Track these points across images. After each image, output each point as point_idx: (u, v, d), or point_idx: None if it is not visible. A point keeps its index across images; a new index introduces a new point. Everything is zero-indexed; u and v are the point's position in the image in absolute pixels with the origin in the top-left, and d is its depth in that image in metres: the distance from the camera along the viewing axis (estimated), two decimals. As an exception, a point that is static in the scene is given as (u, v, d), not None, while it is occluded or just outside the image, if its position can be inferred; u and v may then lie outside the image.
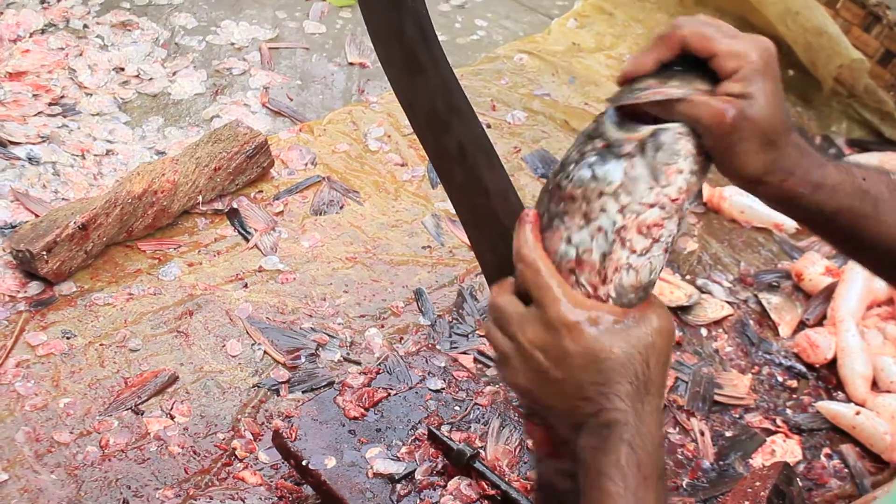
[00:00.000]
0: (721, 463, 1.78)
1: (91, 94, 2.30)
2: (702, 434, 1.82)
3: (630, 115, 1.03)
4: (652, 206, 1.00)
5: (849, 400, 1.91)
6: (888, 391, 1.90)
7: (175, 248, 1.98)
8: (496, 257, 1.15)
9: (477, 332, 1.91)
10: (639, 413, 1.00)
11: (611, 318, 1.01)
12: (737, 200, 2.30)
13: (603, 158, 1.01)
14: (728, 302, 2.08)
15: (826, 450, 1.84)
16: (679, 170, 1.00)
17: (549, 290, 1.02)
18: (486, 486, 1.57)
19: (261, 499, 1.59)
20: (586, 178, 1.02)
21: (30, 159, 2.08)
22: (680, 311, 2.03)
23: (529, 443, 1.15)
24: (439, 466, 1.61)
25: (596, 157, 1.02)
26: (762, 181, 1.05)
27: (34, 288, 1.84)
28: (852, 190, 1.10)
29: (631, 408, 1.00)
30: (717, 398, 1.89)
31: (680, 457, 1.78)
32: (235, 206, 2.08)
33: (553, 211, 1.05)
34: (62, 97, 2.28)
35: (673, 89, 1.01)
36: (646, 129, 1.00)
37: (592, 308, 1.01)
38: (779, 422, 1.87)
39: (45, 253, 1.80)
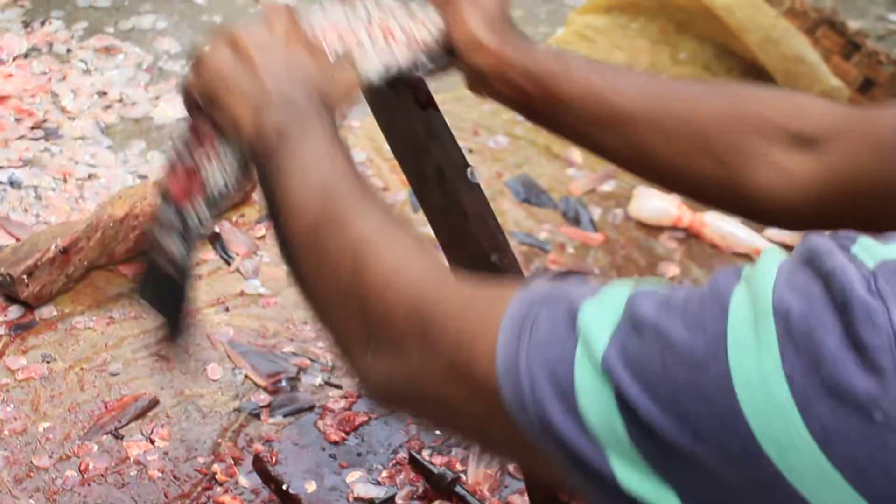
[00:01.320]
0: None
1: (74, 119, 2.31)
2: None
3: None
4: None
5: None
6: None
7: (156, 272, 1.97)
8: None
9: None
10: (315, 121, 1.00)
11: (324, 60, 1.06)
12: (717, 226, 2.31)
13: None
14: (709, 327, 2.09)
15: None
16: None
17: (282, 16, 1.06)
18: (466, 511, 1.58)
19: (241, 523, 1.59)
20: None
21: (11, 183, 2.08)
22: (661, 336, 2.04)
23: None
24: (420, 491, 1.61)
25: None
26: (482, 46, 1.11)
27: (14, 312, 1.84)
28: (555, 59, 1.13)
29: (318, 112, 1.00)
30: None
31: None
32: (217, 230, 2.08)
33: None
34: (45, 121, 2.28)
35: None
36: None
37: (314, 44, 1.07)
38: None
39: (25, 277, 1.80)
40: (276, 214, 1.02)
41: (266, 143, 0.99)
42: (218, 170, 1.12)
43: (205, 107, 1.06)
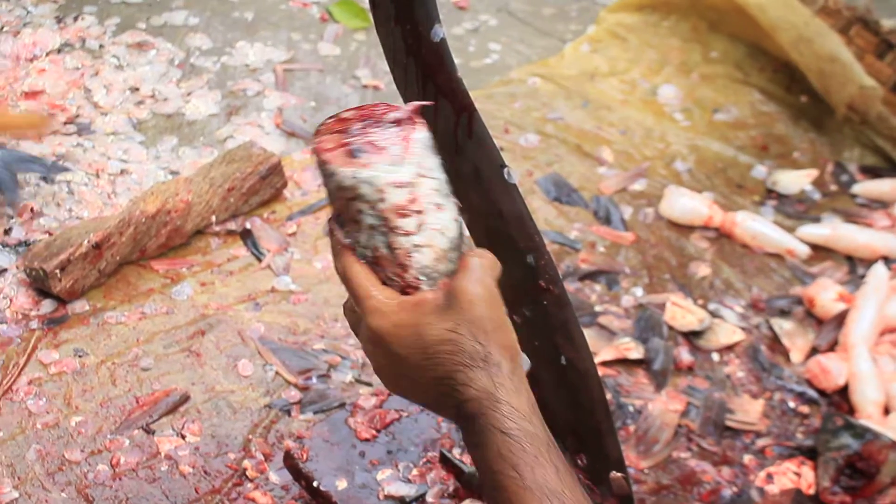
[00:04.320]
0: (734, 489, 1.77)
1: (106, 114, 2.32)
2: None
3: None
4: (394, 187, 1.01)
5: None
6: (901, 418, 1.90)
7: (188, 268, 1.98)
8: (511, 280, 1.16)
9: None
10: (492, 392, 0.98)
11: (431, 306, 1.01)
12: (749, 226, 2.30)
13: (330, 171, 1.04)
14: (740, 327, 2.08)
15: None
16: None
17: (361, 301, 1.04)
18: (496, 510, 1.57)
19: (271, 520, 1.59)
20: (333, 188, 1.04)
21: (44, 178, 2.09)
22: (692, 336, 2.03)
23: None
24: (451, 489, 1.61)
25: (330, 170, 1.03)
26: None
27: (47, 306, 1.85)
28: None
29: (483, 391, 0.97)
30: (728, 423, 1.88)
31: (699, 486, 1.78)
32: (248, 226, 2.08)
33: (339, 220, 1.08)
34: (77, 116, 2.29)
35: None
36: None
37: (401, 307, 1.02)
38: (793, 447, 1.86)
39: (58, 271, 1.81)
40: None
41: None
42: None
43: None
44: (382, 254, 1.04)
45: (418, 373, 1.01)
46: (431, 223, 1.03)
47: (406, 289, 1.04)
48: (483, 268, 1.04)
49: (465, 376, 0.98)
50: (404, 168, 1.01)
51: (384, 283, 1.05)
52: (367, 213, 1.02)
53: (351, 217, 1.04)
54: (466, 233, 1.10)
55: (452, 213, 1.05)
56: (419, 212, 1.02)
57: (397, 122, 1.03)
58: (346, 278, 1.06)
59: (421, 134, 1.03)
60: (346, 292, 1.08)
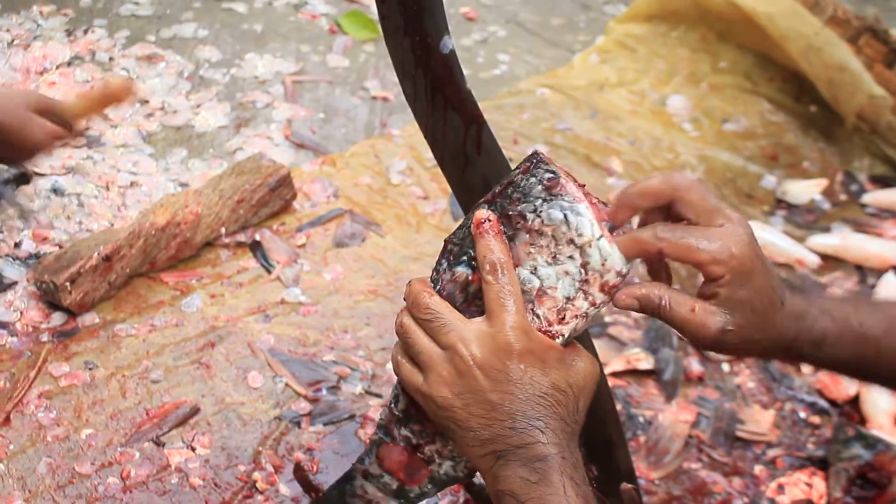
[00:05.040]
0: (745, 500, 1.77)
1: (116, 127, 2.32)
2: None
3: None
4: (614, 270, 1.03)
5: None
6: (912, 428, 1.89)
7: (198, 280, 1.98)
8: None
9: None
10: (570, 449, 1.01)
11: (558, 356, 1.03)
12: (759, 236, 2.28)
13: (574, 208, 1.02)
14: (750, 337, 2.07)
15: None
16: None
17: (511, 313, 1.01)
18: (507, 521, 1.57)
19: (281, 532, 1.59)
20: (558, 219, 1.02)
21: (55, 190, 2.10)
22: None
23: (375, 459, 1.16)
24: (461, 501, 1.61)
25: (569, 203, 1.02)
26: (763, 355, 1.11)
27: (57, 319, 1.85)
28: (853, 339, 1.11)
29: (564, 443, 1.00)
30: (739, 434, 1.88)
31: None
32: (258, 238, 2.08)
33: (510, 234, 1.05)
34: (87, 129, 2.29)
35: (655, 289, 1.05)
36: None
37: (544, 342, 1.02)
38: (804, 458, 1.86)
39: (68, 284, 1.81)
40: None
41: (505, 486, 1.01)
42: (449, 463, 1.15)
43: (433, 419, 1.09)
44: (553, 295, 1.04)
45: (511, 400, 1.01)
46: (601, 309, 1.05)
47: (541, 332, 1.05)
48: (593, 358, 1.07)
49: (557, 425, 1.00)
50: (629, 264, 1.04)
51: None
52: (577, 264, 1.03)
53: (548, 248, 1.03)
54: None
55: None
56: (611, 297, 1.04)
57: None
58: (497, 271, 1.02)
59: None
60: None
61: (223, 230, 2.04)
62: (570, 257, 1.02)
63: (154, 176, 2.21)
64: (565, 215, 1.02)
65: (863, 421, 1.93)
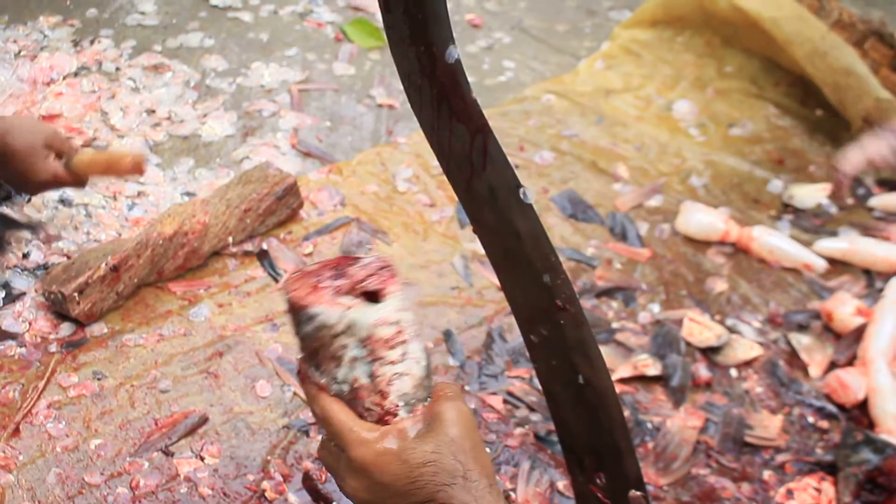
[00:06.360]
0: (753, 506, 1.77)
1: (123, 136, 2.33)
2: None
3: None
4: (382, 323, 1.08)
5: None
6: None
7: (205, 290, 1.99)
8: (527, 299, 1.16)
9: (506, 372, 1.90)
10: (478, 492, 1.06)
11: (404, 436, 1.08)
12: (765, 240, 2.29)
13: (309, 315, 1.09)
14: (758, 342, 2.07)
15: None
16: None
17: (343, 435, 1.09)
18: (516, 529, 1.57)
19: (290, 541, 1.59)
20: (311, 330, 1.09)
21: (62, 201, 2.10)
22: (709, 352, 2.03)
23: None
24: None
25: (306, 314, 1.09)
26: None
27: (66, 329, 1.85)
28: None
29: (470, 492, 1.05)
30: (747, 439, 1.88)
31: None
32: (265, 247, 2.09)
33: (315, 364, 1.12)
34: (94, 139, 2.30)
35: None
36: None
37: (383, 435, 1.08)
38: (813, 463, 1.85)
39: (76, 294, 1.82)
40: None
41: None
42: None
43: None
44: (362, 384, 1.10)
45: (402, 500, 1.07)
46: (411, 353, 1.11)
47: (384, 417, 1.11)
48: (456, 393, 1.12)
49: (446, 494, 1.05)
50: (389, 303, 1.08)
51: (361, 417, 1.11)
52: (353, 347, 1.08)
53: (330, 354, 1.10)
54: (432, 364, 1.17)
55: (422, 344, 1.14)
56: (404, 341, 1.10)
57: (372, 265, 1.11)
58: (325, 417, 1.11)
59: (395, 269, 1.11)
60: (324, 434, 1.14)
61: (230, 239, 2.05)
62: (344, 346, 1.08)
63: (161, 186, 2.21)
64: (312, 324, 1.08)
65: (871, 425, 1.93)
